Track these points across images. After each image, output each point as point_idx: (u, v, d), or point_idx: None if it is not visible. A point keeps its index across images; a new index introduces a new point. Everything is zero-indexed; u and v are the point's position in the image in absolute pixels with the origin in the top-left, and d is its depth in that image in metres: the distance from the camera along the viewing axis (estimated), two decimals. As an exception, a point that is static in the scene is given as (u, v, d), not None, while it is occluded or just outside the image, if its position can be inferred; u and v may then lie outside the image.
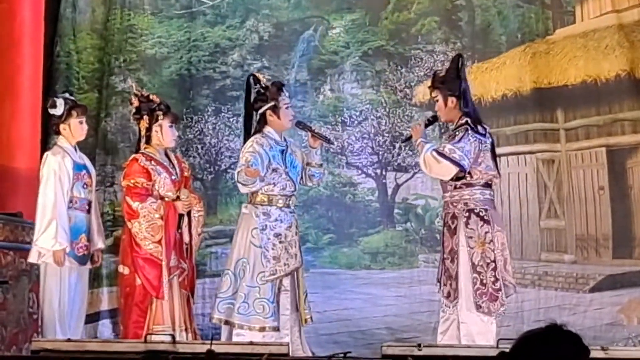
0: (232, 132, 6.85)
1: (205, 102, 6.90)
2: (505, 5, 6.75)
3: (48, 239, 4.69)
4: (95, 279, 5.98)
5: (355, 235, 6.67)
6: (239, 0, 6.91)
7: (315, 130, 4.97)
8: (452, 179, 4.56)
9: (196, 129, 6.89)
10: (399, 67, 6.86)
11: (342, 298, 6.37)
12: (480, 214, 4.48)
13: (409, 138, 4.79)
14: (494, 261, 4.45)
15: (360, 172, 6.90)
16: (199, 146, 6.89)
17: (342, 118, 6.92)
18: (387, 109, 6.92)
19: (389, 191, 6.86)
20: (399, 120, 6.87)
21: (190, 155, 6.85)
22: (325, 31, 6.98)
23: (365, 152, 6.89)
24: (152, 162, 4.87)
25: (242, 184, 4.64)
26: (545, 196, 6.55)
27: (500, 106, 6.73)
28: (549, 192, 6.55)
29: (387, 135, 6.89)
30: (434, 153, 4.44)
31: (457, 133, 4.54)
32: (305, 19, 6.97)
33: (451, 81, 4.62)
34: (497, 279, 4.44)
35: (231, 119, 6.87)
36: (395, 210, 6.78)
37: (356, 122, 6.94)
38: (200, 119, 6.89)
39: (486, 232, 4.47)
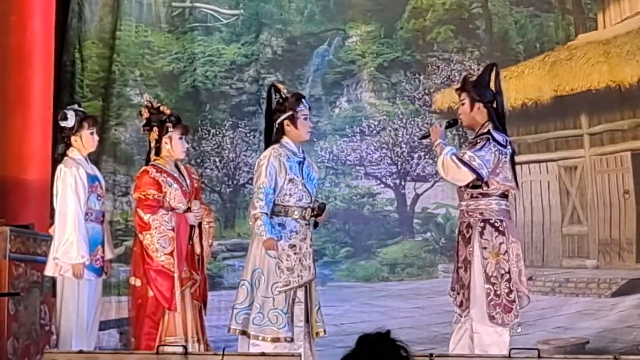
0: (249, 147, 6.85)
1: (223, 117, 6.89)
2: (522, 14, 6.71)
3: (69, 253, 4.63)
4: (103, 288, 6.02)
5: (373, 247, 6.61)
6: (253, 15, 6.93)
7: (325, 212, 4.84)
8: (468, 187, 4.49)
9: (214, 142, 6.90)
10: (417, 75, 6.82)
11: (358, 311, 6.30)
12: (496, 224, 4.43)
13: (427, 136, 4.73)
14: (509, 272, 4.38)
15: (379, 182, 6.85)
16: (217, 159, 6.90)
17: (361, 128, 6.88)
18: (405, 120, 6.87)
19: (408, 201, 6.80)
20: (417, 130, 6.83)
21: (207, 167, 6.87)
22: (341, 42, 6.97)
23: (384, 162, 6.84)
24: (163, 174, 4.82)
25: (252, 223, 4.62)
26: (568, 202, 6.48)
27: (521, 114, 6.66)
28: (572, 199, 6.48)
29: (405, 145, 6.84)
30: (454, 157, 4.40)
31: (478, 141, 4.48)
32: (320, 34, 6.95)
33: (482, 87, 4.55)
34: (511, 290, 4.37)
35: (249, 134, 6.88)
36: (415, 221, 6.71)
37: (375, 131, 6.89)
38: (218, 132, 6.90)
39: (501, 243, 4.41)
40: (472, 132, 4.80)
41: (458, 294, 4.48)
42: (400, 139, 6.88)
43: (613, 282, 6.09)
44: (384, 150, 6.86)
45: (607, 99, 6.41)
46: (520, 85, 6.70)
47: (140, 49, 6.80)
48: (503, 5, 6.79)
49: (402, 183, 6.85)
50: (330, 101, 6.95)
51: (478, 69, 6.78)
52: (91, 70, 6.71)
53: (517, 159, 6.65)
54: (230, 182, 6.92)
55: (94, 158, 5.44)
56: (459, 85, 4.74)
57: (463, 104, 4.58)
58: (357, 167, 6.88)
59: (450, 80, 6.80)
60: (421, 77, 6.83)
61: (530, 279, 6.34)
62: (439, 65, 6.84)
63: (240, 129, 6.91)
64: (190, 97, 6.91)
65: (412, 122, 6.87)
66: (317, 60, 6.95)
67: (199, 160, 6.85)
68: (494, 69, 4.61)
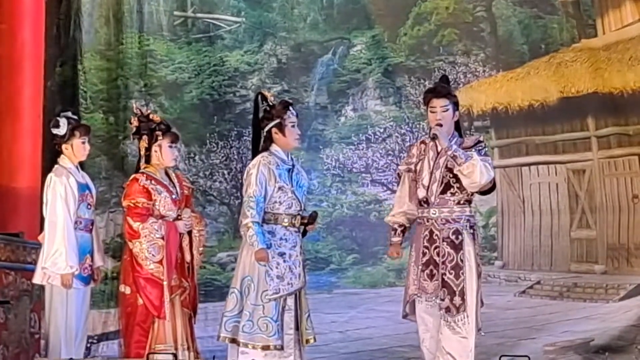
0: (255, 156, 6.70)
1: (229, 127, 6.76)
2: (526, 15, 6.58)
3: (58, 262, 4.51)
4: (111, 299, 5.89)
5: (379, 253, 6.43)
6: (256, 24, 6.80)
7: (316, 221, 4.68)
8: (462, 193, 4.36)
9: (222, 154, 6.77)
10: (421, 81, 6.66)
11: (364, 317, 6.16)
12: (476, 230, 4.45)
13: (436, 137, 4.46)
14: (479, 276, 4.40)
15: (385, 188, 6.69)
16: (225, 171, 6.78)
17: (367, 135, 6.78)
18: (411, 125, 6.75)
19: (416, 206, 6.59)
20: (423, 134, 6.63)
21: (216, 180, 6.74)
22: (346, 51, 6.84)
23: (391, 169, 6.69)
24: (153, 182, 4.68)
25: (244, 234, 4.45)
26: (577, 206, 6.29)
27: (527, 115, 6.52)
28: (581, 202, 6.29)
29: (412, 150, 6.66)
30: (487, 164, 4.29)
31: (479, 148, 4.40)
32: (324, 43, 6.83)
33: (454, 95, 4.48)
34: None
35: (254, 142, 6.74)
36: (422, 225, 6.52)
37: (380, 138, 6.77)
38: (225, 144, 6.77)
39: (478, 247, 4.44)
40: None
41: (442, 300, 4.33)
42: (408, 143, 6.68)
43: (621, 287, 5.92)
44: (390, 157, 6.72)
45: (613, 102, 6.19)
46: (527, 87, 6.55)
47: (143, 59, 6.65)
48: (506, 7, 6.65)
49: (409, 188, 6.61)
50: (336, 110, 6.84)
51: (484, 71, 6.64)
52: (91, 82, 6.56)
53: (525, 159, 6.52)
54: (238, 194, 6.73)
55: (97, 171, 5.25)
56: (435, 92, 4.48)
57: (446, 110, 4.41)
58: (364, 175, 6.77)
59: (456, 83, 6.65)
60: (426, 82, 6.64)
61: (538, 283, 6.09)
62: (445, 69, 6.66)
63: (245, 138, 6.73)
64: (197, 108, 6.77)
65: (418, 126, 6.68)
66: (322, 69, 6.83)
67: (207, 173, 6.74)
68: (448, 79, 4.69)
